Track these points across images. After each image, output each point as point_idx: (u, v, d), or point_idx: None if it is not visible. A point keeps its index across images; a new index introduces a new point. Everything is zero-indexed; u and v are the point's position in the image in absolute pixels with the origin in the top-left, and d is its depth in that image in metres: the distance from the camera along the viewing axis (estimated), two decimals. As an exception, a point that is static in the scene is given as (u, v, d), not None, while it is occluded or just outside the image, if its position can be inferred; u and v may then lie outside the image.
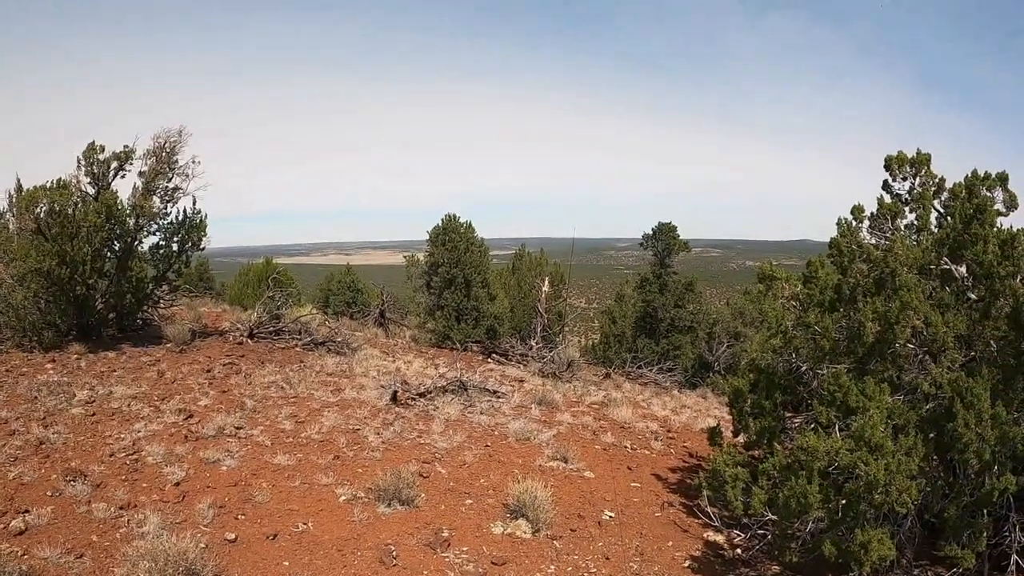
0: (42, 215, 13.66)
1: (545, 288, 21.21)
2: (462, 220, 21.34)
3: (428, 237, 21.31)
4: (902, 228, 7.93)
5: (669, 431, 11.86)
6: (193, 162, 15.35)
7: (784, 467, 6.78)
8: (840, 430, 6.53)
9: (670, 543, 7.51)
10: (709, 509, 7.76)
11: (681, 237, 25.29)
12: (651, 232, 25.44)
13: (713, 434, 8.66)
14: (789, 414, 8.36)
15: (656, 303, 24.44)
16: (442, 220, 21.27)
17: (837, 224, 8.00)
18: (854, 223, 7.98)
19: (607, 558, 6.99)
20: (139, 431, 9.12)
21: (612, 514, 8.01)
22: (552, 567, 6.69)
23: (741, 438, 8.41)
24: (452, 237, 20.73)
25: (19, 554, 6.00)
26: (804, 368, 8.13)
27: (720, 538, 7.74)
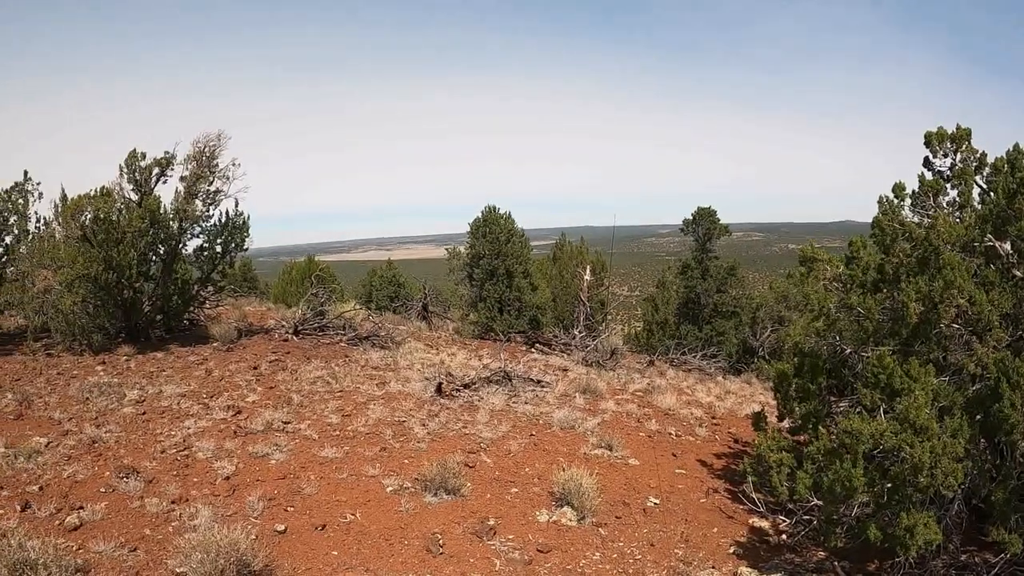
0: (87, 222, 13.94)
1: (587, 277, 21.13)
2: (502, 211, 21.35)
3: (469, 229, 21.33)
4: (944, 205, 7.84)
5: (714, 417, 11.83)
6: (233, 164, 15.64)
7: (829, 451, 6.73)
8: (885, 413, 6.45)
9: (715, 529, 7.52)
10: (754, 495, 7.73)
11: (722, 221, 25.02)
12: (691, 217, 25.20)
13: (757, 419, 8.56)
14: (834, 398, 8.29)
15: (698, 289, 24.18)
16: (482, 212, 21.26)
17: (878, 202, 7.92)
18: (896, 201, 7.90)
19: (652, 544, 7.01)
20: (189, 428, 9.35)
21: (657, 501, 8.02)
22: (597, 554, 6.73)
23: (786, 423, 8.33)
24: (493, 228, 20.72)
25: (74, 549, 6.17)
26: (848, 351, 8.05)
27: (765, 524, 7.72)
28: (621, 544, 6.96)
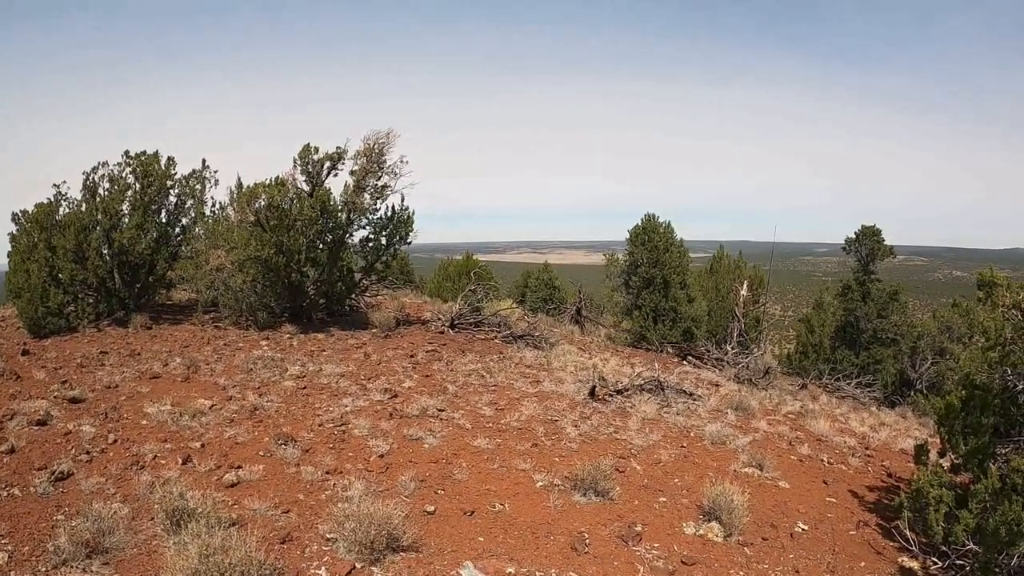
0: (261, 208, 14.65)
1: (743, 292, 20.79)
2: (661, 220, 21.22)
3: (628, 236, 21.28)
4: None
5: (867, 448, 11.42)
6: (401, 162, 16.28)
7: (996, 491, 6.40)
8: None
9: (862, 563, 7.22)
10: (908, 533, 7.37)
11: (886, 242, 24.15)
12: (854, 236, 24.43)
13: (919, 451, 8.15)
14: (998, 439, 7.84)
15: (858, 312, 23.37)
16: (642, 220, 21.23)
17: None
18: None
19: (797, 571, 6.79)
20: (346, 406, 9.72)
21: (805, 527, 7.78)
22: (741, 573, 6.56)
23: (946, 460, 7.97)
24: (652, 237, 20.65)
25: (230, 504, 6.53)
26: (1021, 387, 7.61)
27: (915, 564, 7.35)
28: (765, 566, 6.77)
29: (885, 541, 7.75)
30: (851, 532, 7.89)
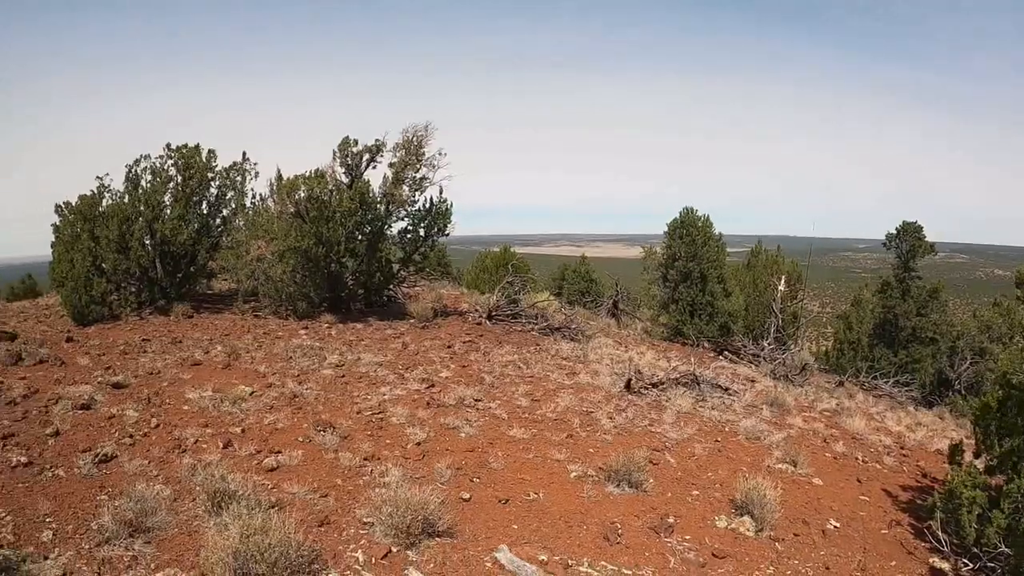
0: (301, 200, 14.82)
1: (781, 287, 20.64)
2: (700, 214, 21.09)
3: (666, 229, 21.18)
4: None
5: (902, 448, 11.32)
6: (440, 154, 16.50)
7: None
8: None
9: (893, 563, 7.18)
10: (940, 534, 7.31)
11: (927, 239, 23.85)
12: (895, 232, 24.15)
13: (954, 452, 8.06)
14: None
15: (897, 310, 23.14)
16: (680, 213, 21.10)
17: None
18: None
19: (827, 568, 6.76)
20: (384, 394, 9.82)
21: (837, 524, 7.75)
22: (771, 568, 6.55)
23: (981, 461, 7.90)
24: (690, 231, 20.54)
25: (269, 487, 6.62)
26: (1058, 387, 7.52)
27: (946, 566, 7.29)
28: (796, 563, 6.75)
29: (917, 541, 7.70)
30: (883, 531, 7.85)
